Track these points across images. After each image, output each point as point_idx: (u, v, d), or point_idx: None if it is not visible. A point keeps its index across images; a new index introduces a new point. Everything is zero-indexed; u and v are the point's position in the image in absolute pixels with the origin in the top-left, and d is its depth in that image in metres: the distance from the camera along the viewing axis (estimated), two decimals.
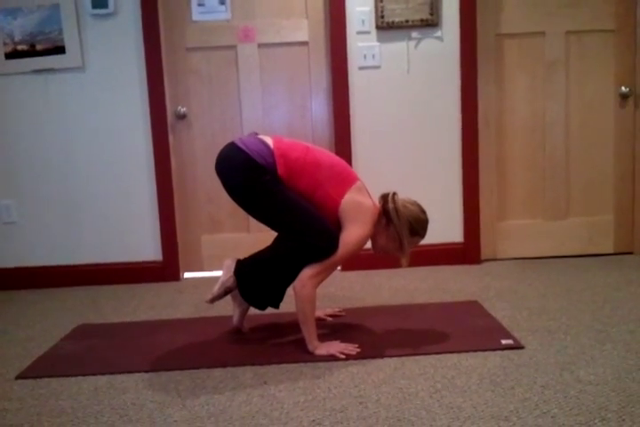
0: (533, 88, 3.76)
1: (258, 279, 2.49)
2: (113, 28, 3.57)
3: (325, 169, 2.41)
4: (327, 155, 2.50)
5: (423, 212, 2.46)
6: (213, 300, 2.59)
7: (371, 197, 2.47)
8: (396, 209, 2.40)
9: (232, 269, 2.55)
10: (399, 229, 2.40)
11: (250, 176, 2.36)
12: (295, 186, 2.39)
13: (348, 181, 2.43)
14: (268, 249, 2.59)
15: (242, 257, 2.67)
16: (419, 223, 2.44)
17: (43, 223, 3.72)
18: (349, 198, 2.39)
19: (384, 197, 2.47)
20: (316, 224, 2.38)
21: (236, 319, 2.65)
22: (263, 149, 2.38)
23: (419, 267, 3.65)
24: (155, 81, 3.60)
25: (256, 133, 2.52)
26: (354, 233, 2.37)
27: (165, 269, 3.73)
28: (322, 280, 2.40)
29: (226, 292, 2.58)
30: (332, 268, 2.41)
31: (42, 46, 3.54)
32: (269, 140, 2.43)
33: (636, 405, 1.84)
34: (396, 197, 2.44)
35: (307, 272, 2.35)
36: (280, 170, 2.36)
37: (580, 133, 3.80)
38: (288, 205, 2.38)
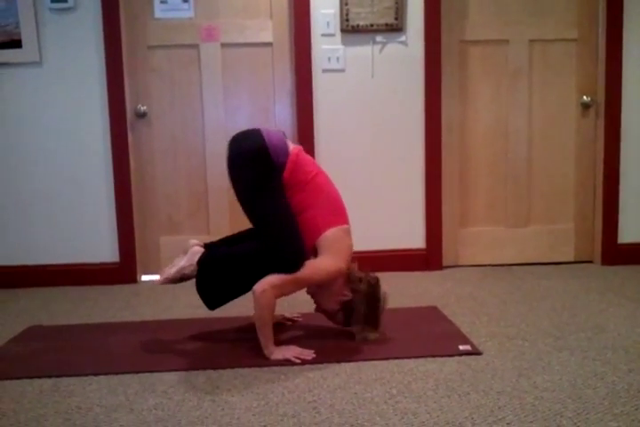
0: (497, 96, 3.77)
1: (218, 279, 2.41)
2: (72, 23, 3.49)
3: (324, 196, 2.42)
4: (334, 188, 2.50)
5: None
6: (165, 282, 2.50)
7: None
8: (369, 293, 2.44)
9: (196, 259, 2.46)
10: (357, 307, 2.43)
11: (254, 164, 2.32)
12: (290, 197, 2.37)
13: (339, 218, 2.44)
14: (239, 246, 2.48)
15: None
16: (372, 317, 2.47)
17: None
18: (335, 231, 2.39)
19: (367, 275, 2.47)
20: (292, 236, 2.34)
21: (173, 272, 2.48)
22: (282, 148, 2.36)
23: (380, 272, 3.59)
24: (114, 78, 3.52)
25: (283, 133, 2.49)
26: (327, 261, 2.35)
27: (122, 271, 3.65)
28: (282, 293, 2.32)
29: (182, 278, 2.50)
30: (295, 285, 2.33)
31: None
32: (291, 145, 2.42)
33: (591, 412, 1.83)
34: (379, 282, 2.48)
35: (270, 279, 2.29)
36: (286, 174, 2.35)
37: (542, 142, 3.82)
38: (278, 206, 2.33)
